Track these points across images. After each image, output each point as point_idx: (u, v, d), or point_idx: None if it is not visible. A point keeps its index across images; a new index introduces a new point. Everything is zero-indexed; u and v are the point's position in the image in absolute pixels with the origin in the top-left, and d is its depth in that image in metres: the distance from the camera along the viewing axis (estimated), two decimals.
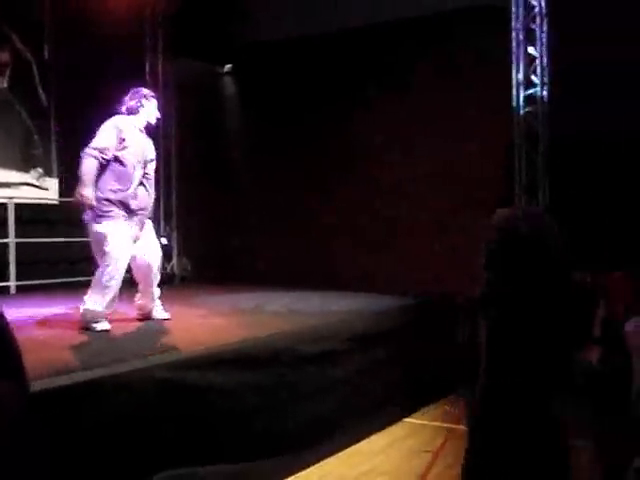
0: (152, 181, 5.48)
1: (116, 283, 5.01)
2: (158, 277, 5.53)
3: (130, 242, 5.16)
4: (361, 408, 5.24)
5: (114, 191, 5.11)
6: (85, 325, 4.97)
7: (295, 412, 4.64)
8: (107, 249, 5.00)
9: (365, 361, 5.41)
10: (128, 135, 5.21)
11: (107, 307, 5.01)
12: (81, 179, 5.02)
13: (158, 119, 5.53)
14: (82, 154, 5.07)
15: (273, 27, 8.65)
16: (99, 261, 5.11)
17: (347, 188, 8.37)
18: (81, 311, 5.01)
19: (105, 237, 5.03)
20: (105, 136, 5.13)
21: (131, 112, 5.33)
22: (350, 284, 7.70)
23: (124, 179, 5.16)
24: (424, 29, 7.69)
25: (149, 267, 5.38)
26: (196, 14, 8.61)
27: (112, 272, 4.99)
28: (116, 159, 5.15)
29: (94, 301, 4.97)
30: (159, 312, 5.58)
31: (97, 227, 5.06)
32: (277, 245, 8.69)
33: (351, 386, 5.21)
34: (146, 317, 5.54)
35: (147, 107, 5.36)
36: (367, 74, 8.20)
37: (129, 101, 5.34)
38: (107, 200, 5.08)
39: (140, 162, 5.27)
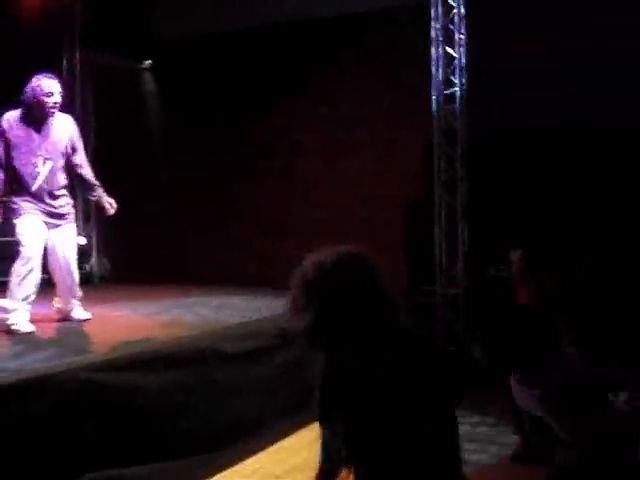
0: (83, 171, 5.36)
1: (29, 277, 4.94)
2: (77, 276, 5.44)
3: (40, 236, 5.08)
4: (286, 405, 5.25)
5: (19, 192, 5.08)
6: (6, 324, 4.90)
7: (220, 410, 4.62)
8: (19, 244, 4.99)
9: (289, 358, 5.42)
10: (15, 132, 5.04)
11: (23, 300, 4.93)
12: None
13: (61, 102, 5.17)
14: None
15: (193, 22, 8.55)
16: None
17: (269, 186, 8.35)
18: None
19: (17, 233, 5.01)
20: None
21: (24, 103, 5.09)
22: (276, 282, 7.70)
23: (26, 177, 5.07)
24: (348, 27, 7.71)
25: (67, 266, 5.29)
26: (116, 7, 8.45)
27: (25, 265, 4.92)
28: (10, 160, 5.03)
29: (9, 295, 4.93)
30: (79, 312, 5.48)
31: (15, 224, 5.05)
32: (199, 243, 8.61)
33: (276, 383, 5.22)
34: (65, 318, 5.44)
35: (40, 94, 5.03)
36: (288, 70, 8.16)
37: (24, 92, 5.09)
38: (15, 199, 5.07)
39: (42, 156, 5.08)
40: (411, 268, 7.33)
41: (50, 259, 5.26)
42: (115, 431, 3.79)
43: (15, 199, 5.07)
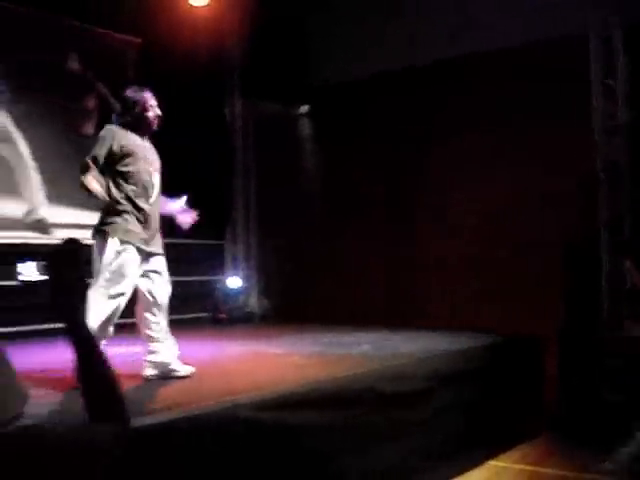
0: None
1: None
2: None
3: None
4: (442, 450, 5.13)
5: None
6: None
7: (375, 453, 4.57)
8: None
9: (447, 402, 5.30)
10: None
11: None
12: None
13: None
14: None
15: (349, 67, 8.72)
16: None
17: (428, 226, 8.28)
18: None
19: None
20: None
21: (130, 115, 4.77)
22: (435, 322, 7.60)
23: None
24: (502, 61, 7.56)
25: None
26: (272, 57, 8.77)
27: None
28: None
29: None
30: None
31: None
32: (358, 284, 8.66)
33: (432, 427, 5.11)
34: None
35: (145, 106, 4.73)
36: (444, 110, 8.12)
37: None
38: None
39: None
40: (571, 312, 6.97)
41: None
42: (272, 470, 3.82)
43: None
